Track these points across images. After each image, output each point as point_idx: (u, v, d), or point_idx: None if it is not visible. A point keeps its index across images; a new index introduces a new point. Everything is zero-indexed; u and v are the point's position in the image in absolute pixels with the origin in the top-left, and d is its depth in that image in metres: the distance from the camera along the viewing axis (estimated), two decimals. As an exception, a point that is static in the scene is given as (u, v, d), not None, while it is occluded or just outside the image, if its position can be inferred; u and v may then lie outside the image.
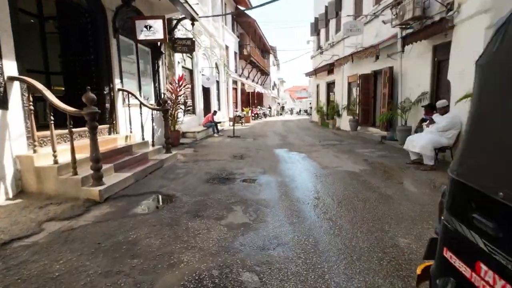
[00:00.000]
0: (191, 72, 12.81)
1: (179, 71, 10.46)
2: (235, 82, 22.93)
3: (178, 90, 8.63)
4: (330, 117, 14.91)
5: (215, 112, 12.42)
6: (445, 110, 5.51)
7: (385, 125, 8.77)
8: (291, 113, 41.34)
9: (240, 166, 5.86)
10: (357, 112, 11.37)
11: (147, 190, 4.26)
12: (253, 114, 24.11)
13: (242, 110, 21.69)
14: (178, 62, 10.42)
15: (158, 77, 8.53)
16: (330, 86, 16.47)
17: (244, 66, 25.00)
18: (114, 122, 6.18)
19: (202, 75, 13.82)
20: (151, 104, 7.61)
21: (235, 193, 4.08)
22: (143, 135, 6.41)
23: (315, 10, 17.91)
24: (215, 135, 11.87)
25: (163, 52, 8.70)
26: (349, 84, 12.95)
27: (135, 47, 7.29)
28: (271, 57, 39.72)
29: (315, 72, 16.63)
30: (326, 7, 14.82)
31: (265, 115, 28.26)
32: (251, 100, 28.74)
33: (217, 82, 18.10)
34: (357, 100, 11.15)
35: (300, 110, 43.17)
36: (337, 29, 14.24)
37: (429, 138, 5.38)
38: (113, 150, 5.24)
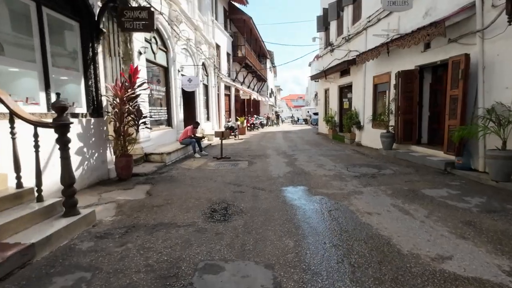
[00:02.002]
0: (165, 70, 9.61)
1: (141, 65, 7.24)
2: (228, 88, 19.81)
3: (125, 91, 5.38)
4: (346, 129, 11.75)
5: (196, 124, 9.16)
6: None
7: (457, 146, 5.57)
8: (292, 122, 37.52)
9: (217, 256, 2.57)
10: (393, 124, 8.20)
11: None
12: (248, 125, 20.92)
13: (236, 120, 18.49)
14: (140, 53, 7.21)
15: (95, 71, 5.29)
16: (344, 90, 13.36)
17: (239, 69, 21.95)
18: (-50, 152, 2.88)
19: (182, 75, 10.63)
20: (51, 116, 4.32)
21: None
22: (18, 175, 3.11)
23: (322, 0, 14.95)
24: (196, 155, 8.59)
25: (104, 30, 5.48)
26: (375, 86, 9.82)
27: (35, 10, 4.07)
28: (268, 62, 36.84)
29: (325, 73, 13.54)
30: (340, -9, 11.84)
31: (262, 125, 25.06)
32: (246, 108, 25.64)
33: (206, 86, 14.95)
34: (395, 107, 8.00)
35: (298, 119, 39.93)
36: (355, 18, 11.21)
37: None
38: None
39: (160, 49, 9.05)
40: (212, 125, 15.74)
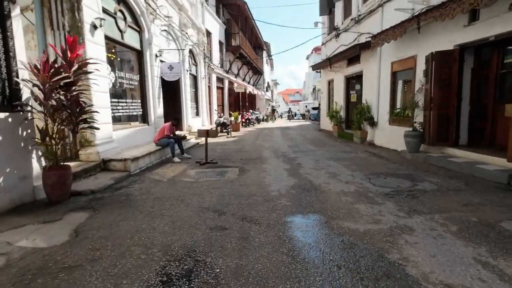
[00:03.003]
0: (139, 54, 7.83)
1: (97, 43, 5.48)
2: (220, 80, 18.01)
3: (53, 74, 3.63)
4: (355, 126, 10.10)
5: (176, 121, 7.42)
6: None
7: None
8: (288, 118, 34.96)
9: None
10: (421, 120, 6.55)
11: None
12: (243, 120, 19.20)
13: (230, 115, 16.76)
14: (95, 26, 5.43)
15: (6, 43, 3.55)
16: (352, 81, 11.67)
17: (233, 60, 20.12)
18: None
19: (161, 61, 8.87)
20: None
21: None
22: None
23: (326, -21, 13.16)
24: (176, 159, 6.88)
25: (20, -19, 3.71)
26: (394, 74, 8.15)
27: None
28: (265, 54, 34.89)
29: (329, 61, 11.84)
30: (349, -36, 10.09)
31: (258, 120, 23.33)
32: (241, 102, 23.87)
33: (194, 77, 13.18)
34: (424, 99, 6.34)
35: (295, 114, 37.99)
36: (368, -5, 9.49)
37: None
38: None
39: (130, 27, 7.27)
40: (202, 121, 14.01)
